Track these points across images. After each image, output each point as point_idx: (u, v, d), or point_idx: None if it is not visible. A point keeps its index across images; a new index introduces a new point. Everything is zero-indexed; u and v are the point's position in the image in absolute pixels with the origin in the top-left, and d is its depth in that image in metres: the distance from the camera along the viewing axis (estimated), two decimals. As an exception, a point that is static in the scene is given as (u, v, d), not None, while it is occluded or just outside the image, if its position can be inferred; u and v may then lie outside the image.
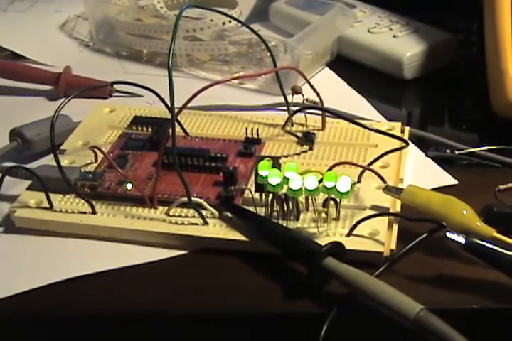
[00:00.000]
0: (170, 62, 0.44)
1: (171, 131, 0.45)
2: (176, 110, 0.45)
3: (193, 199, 0.46)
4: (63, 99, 0.47)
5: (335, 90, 0.63)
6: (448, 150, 0.54)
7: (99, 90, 0.63)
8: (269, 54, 0.55)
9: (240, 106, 0.60)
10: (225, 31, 0.65)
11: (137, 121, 0.56)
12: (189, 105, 0.49)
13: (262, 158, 0.49)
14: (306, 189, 0.44)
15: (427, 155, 0.54)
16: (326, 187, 0.44)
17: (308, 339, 0.41)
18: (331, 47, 0.67)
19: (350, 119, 0.51)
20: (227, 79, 0.53)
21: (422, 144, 0.55)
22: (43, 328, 0.45)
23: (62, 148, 0.54)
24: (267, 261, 0.45)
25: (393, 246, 0.44)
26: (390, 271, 0.43)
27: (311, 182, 0.43)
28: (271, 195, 0.46)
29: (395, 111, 0.63)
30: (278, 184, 0.44)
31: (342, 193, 0.44)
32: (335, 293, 0.42)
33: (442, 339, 0.37)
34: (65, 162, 0.52)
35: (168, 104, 0.44)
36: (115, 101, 0.63)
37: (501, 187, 0.50)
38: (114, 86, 0.63)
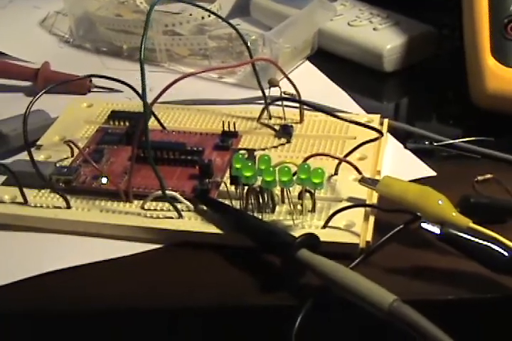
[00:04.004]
0: (142, 53, 0.44)
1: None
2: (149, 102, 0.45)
3: (167, 192, 0.46)
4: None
5: (315, 84, 0.63)
6: (427, 142, 0.54)
7: (77, 85, 0.62)
8: (248, 48, 0.55)
9: (217, 101, 0.60)
10: (204, 26, 0.65)
11: (114, 115, 0.56)
12: (167, 99, 0.48)
13: (239, 150, 0.48)
14: (280, 180, 0.43)
15: (405, 147, 0.54)
16: (299, 179, 0.43)
17: (283, 331, 0.40)
18: (311, 41, 0.67)
19: (327, 111, 0.51)
20: (199, 71, 0.52)
21: (401, 136, 0.55)
22: (18, 323, 0.44)
23: (38, 143, 0.53)
24: (242, 254, 0.44)
25: (369, 238, 0.44)
26: (365, 263, 0.43)
27: (284, 173, 0.43)
28: (246, 188, 0.45)
29: (376, 104, 0.63)
30: (251, 175, 0.44)
31: (316, 184, 0.43)
32: (310, 285, 0.42)
33: (416, 329, 0.37)
34: (41, 157, 0.52)
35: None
36: (94, 96, 0.63)
37: (479, 178, 0.50)
38: (93, 81, 0.63)
